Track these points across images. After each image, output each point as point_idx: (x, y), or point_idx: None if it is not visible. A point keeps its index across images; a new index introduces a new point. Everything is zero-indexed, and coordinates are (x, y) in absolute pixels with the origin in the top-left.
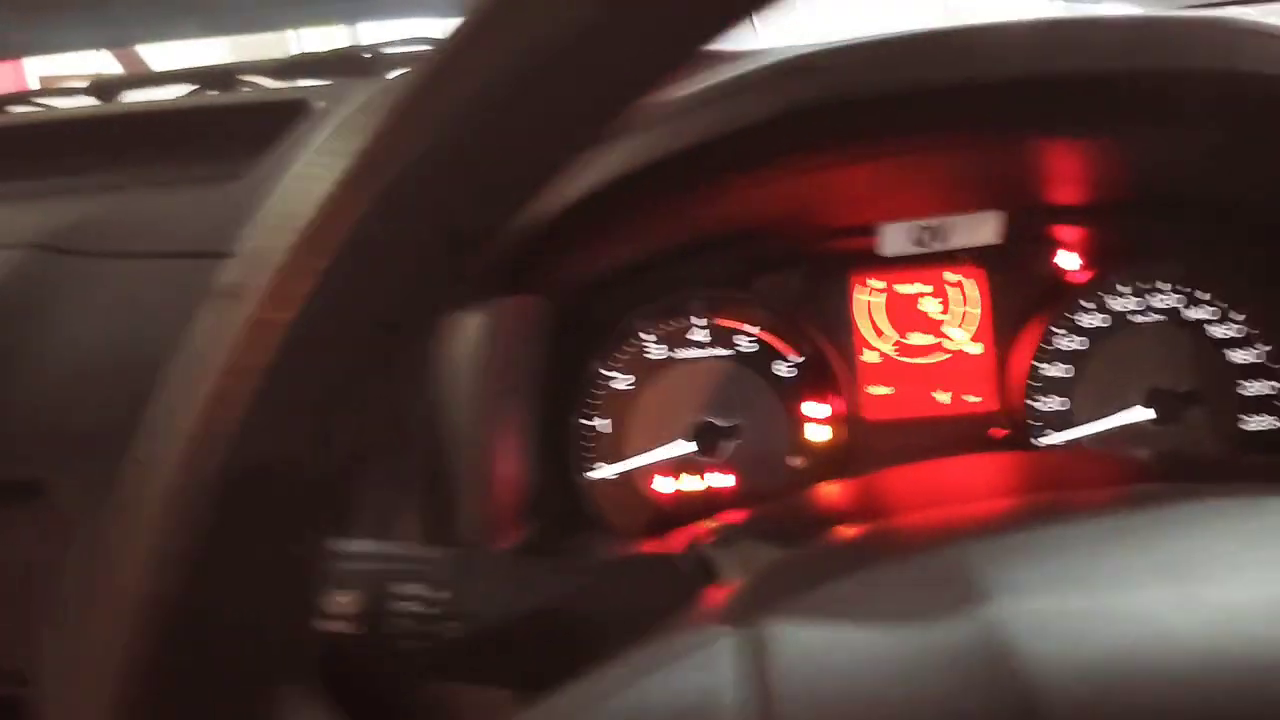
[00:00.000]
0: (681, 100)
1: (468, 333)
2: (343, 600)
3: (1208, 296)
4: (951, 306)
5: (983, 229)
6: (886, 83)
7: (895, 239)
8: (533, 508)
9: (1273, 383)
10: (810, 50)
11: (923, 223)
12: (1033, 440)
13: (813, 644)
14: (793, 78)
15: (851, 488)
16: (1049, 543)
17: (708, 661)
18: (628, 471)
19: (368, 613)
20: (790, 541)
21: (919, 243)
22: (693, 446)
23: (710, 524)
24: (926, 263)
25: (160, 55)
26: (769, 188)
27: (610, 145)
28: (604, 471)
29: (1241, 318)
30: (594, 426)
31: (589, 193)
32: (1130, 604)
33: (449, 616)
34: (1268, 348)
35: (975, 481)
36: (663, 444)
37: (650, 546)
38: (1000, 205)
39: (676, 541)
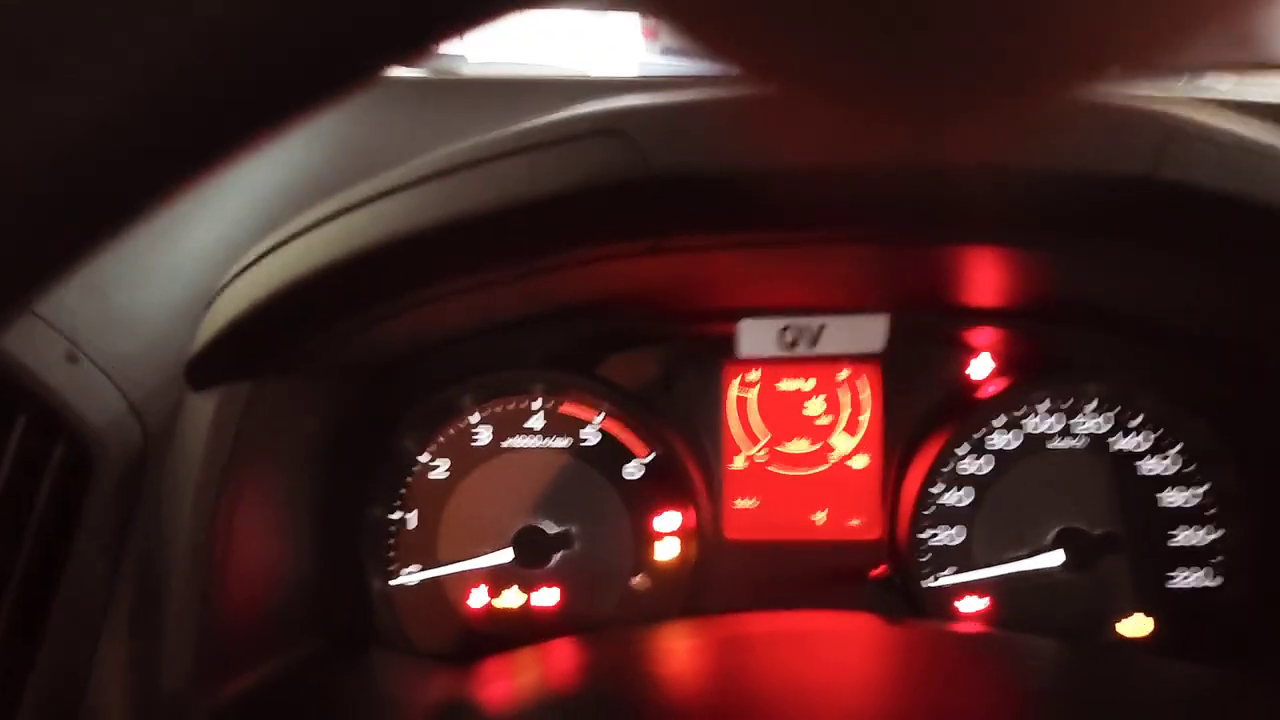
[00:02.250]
0: (449, 158)
1: (200, 420)
2: None
3: (1140, 421)
4: (839, 409)
5: (866, 334)
6: (712, 161)
7: (757, 337)
8: (312, 623)
9: (1208, 532)
10: (624, 106)
11: (792, 320)
12: (923, 583)
13: None
14: (595, 143)
15: (668, 660)
16: None
17: None
18: (435, 579)
19: None
20: None
21: (787, 344)
22: (509, 556)
23: (466, 692)
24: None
25: None
26: (596, 269)
27: (363, 208)
28: (406, 577)
29: (1178, 449)
30: (398, 521)
31: (337, 262)
32: None
33: None
34: (1205, 488)
35: (829, 677)
36: (481, 549)
37: (402, 702)
38: (891, 306)
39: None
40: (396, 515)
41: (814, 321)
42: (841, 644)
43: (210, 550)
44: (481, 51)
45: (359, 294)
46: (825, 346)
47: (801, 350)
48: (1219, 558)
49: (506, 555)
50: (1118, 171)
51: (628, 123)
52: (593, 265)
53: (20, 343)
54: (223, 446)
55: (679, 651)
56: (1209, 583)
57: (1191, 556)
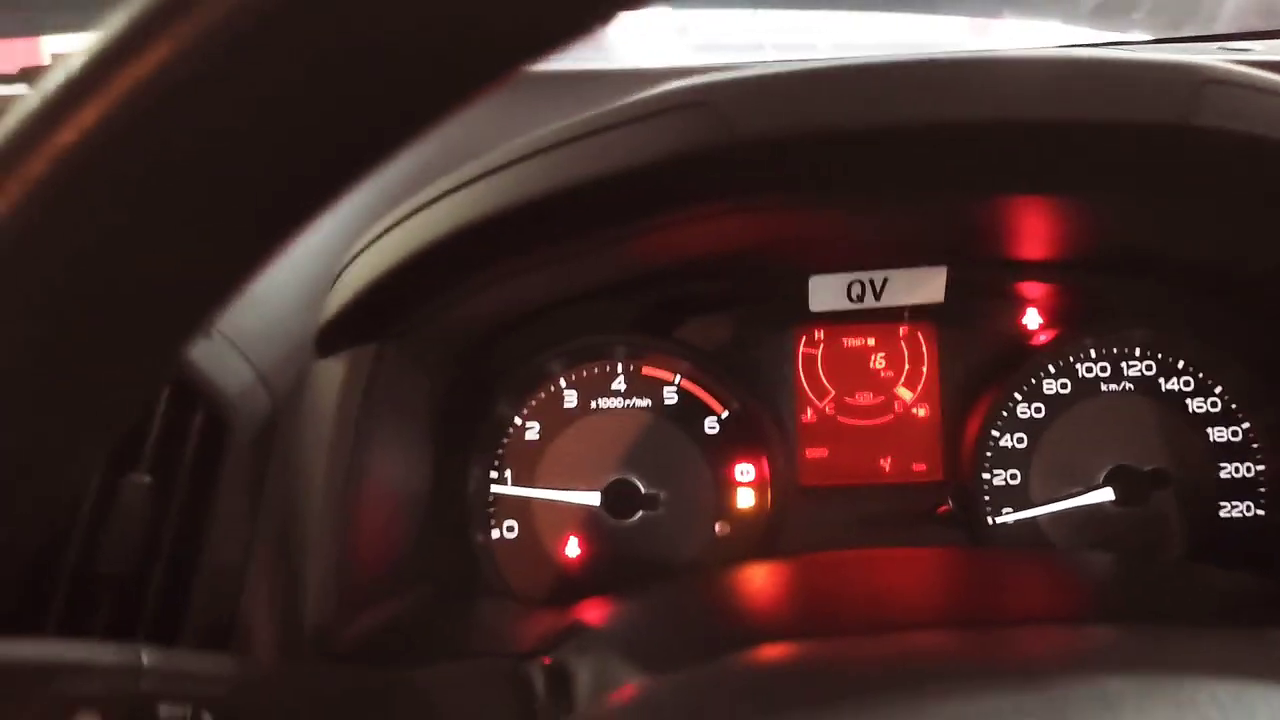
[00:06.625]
0: (551, 136)
1: (329, 383)
2: None
3: (1183, 364)
4: (900, 363)
5: (926, 285)
6: (792, 125)
7: (826, 292)
8: (423, 571)
9: (1252, 464)
10: (707, 81)
11: (858, 275)
12: (985, 519)
13: None
14: (683, 114)
15: (756, 583)
16: None
17: None
18: (532, 531)
19: None
20: (654, 660)
21: (854, 298)
22: (596, 498)
23: (574, 621)
24: (878, 316)
25: None
26: (680, 232)
27: (478, 183)
28: (506, 530)
29: (1220, 389)
30: (497, 480)
31: (454, 231)
32: None
33: None
34: (1247, 425)
35: (902, 589)
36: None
37: (512, 639)
38: (948, 259)
39: (543, 627)
40: (495, 474)
41: (879, 275)
42: (914, 566)
43: (346, 497)
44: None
45: (472, 261)
46: (889, 299)
47: (868, 303)
48: (1263, 489)
49: (594, 498)
50: (1152, 119)
51: (711, 95)
52: (677, 228)
53: None
54: (353, 403)
55: (766, 581)
56: (1256, 513)
57: (1238, 489)
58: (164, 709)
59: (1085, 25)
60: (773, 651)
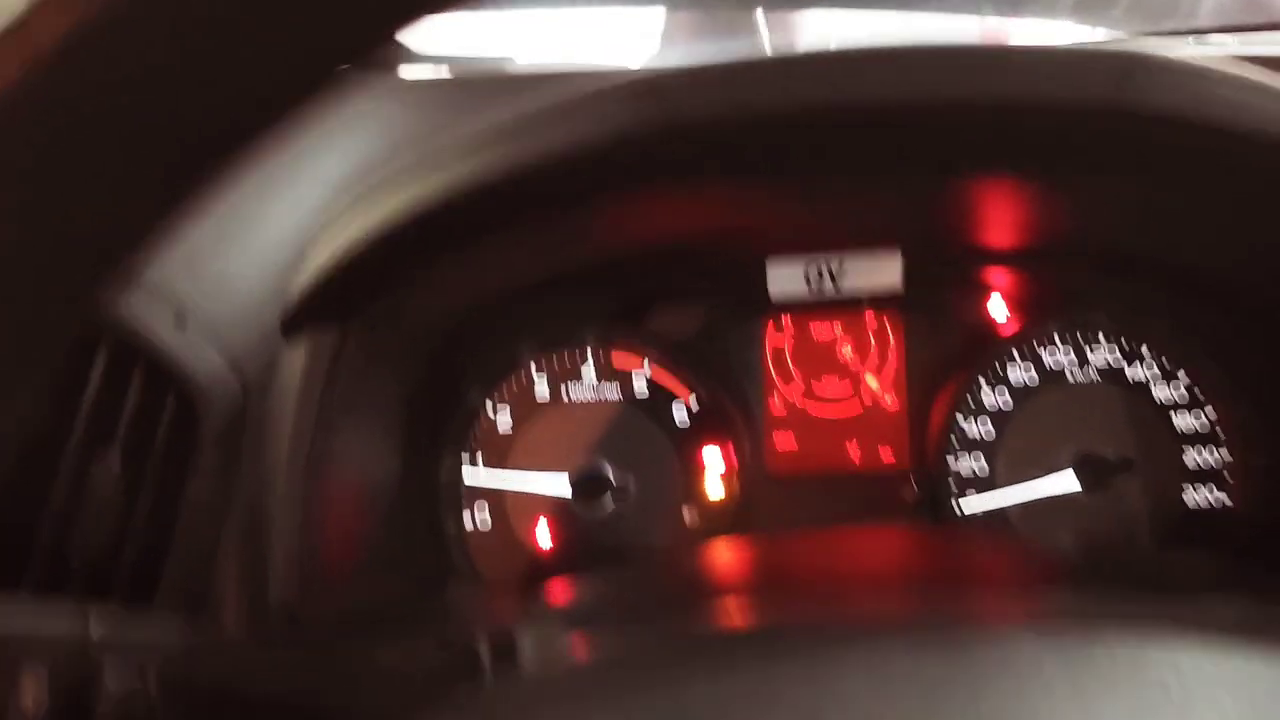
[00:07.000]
0: (509, 123)
1: (294, 369)
2: (32, 684)
3: (1149, 352)
4: (867, 352)
5: (882, 270)
6: (725, 108)
7: (784, 278)
8: (394, 557)
9: (1217, 450)
10: (657, 71)
11: (814, 258)
12: (951, 505)
13: None
14: (631, 100)
15: (706, 559)
16: None
17: None
18: (504, 519)
19: (60, 705)
20: (602, 629)
21: (811, 284)
22: (566, 486)
23: (531, 599)
24: (845, 304)
25: None
26: (636, 214)
27: (431, 170)
28: (478, 518)
29: (1186, 377)
30: (468, 468)
31: (412, 216)
32: None
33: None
34: (1213, 413)
35: (863, 567)
36: (544, 491)
37: (477, 622)
38: (909, 246)
39: (501, 611)
40: (465, 463)
41: (834, 259)
42: (877, 541)
43: (309, 481)
44: (526, 50)
45: (435, 241)
46: (847, 284)
47: (826, 287)
48: (1230, 478)
49: (565, 487)
50: (1081, 100)
51: (653, 82)
52: (631, 209)
53: (135, 309)
54: (316, 388)
55: (716, 556)
56: (1222, 502)
57: (1204, 476)
58: (110, 668)
59: (1067, 21)
60: (712, 613)
